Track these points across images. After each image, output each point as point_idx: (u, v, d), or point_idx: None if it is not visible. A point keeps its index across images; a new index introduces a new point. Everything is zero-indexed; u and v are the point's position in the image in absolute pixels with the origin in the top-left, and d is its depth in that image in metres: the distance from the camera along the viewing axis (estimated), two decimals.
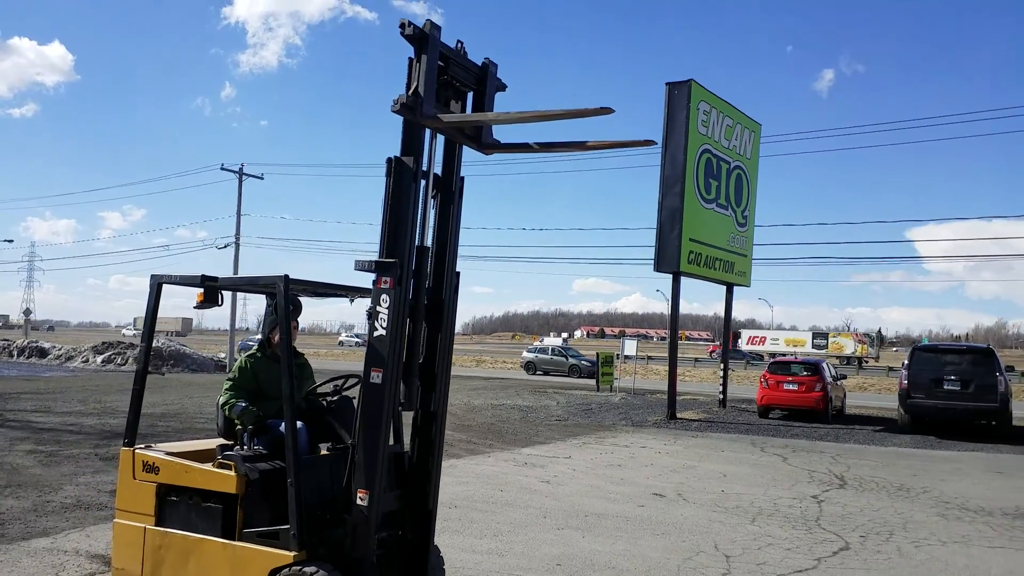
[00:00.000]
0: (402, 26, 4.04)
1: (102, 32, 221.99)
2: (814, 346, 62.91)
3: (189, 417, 15.31)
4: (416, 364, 4.30)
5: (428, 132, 4.31)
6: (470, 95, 4.50)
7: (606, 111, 3.66)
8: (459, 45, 4.33)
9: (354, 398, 4.47)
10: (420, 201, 4.23)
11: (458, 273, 4.54)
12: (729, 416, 20.57)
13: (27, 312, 71.56)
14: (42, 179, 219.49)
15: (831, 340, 64.99)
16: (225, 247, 37.24)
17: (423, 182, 4.25)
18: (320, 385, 4.89)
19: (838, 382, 21.69)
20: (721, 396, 22.97)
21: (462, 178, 4.52)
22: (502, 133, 4.49)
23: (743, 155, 22.55)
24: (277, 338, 4.58)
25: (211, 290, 4.57)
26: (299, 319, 4.83)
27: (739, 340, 63.57)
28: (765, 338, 67.62)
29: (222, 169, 37.02)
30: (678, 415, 19.42)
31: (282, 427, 4.26)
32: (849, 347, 63.69)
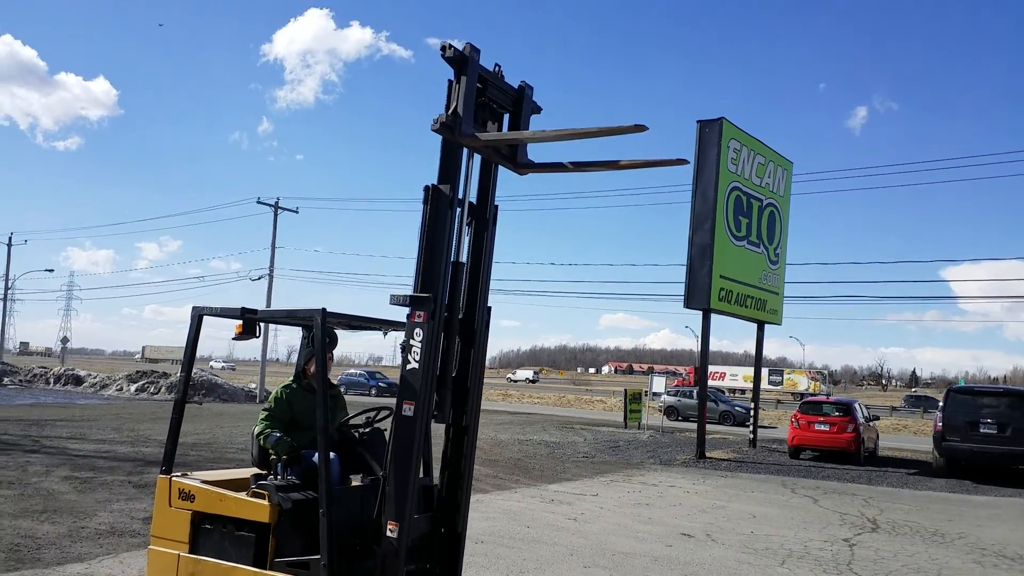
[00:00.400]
0: (443, 48, 4.20)
1: (146, 68, 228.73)
2: (770, 382, 64.93)
3: (220, 447, 15.47)
4: (449, 377, 4.37)
5: (465, 154, 4.43)
6: (506, 117, 4.62)
7: (640, 128, 3.72)
8: (496, 68, 4.48)
9: (385, 430, 4.53)
10: (456, 228, 4.33)
11: (489, 308, 4.62)
12: (759, 456, 20.29)
13: (64, 340, 72.98)
14: (83, 210, 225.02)
15: (786, 376, 67.59)
16: (259, 279, 37.85)
17: (459, 209, 4.35)
18: (353, 417, 4.97)
19: (871, 423, 21.32)
20: (751, 436, 22.67)
21: (496, 205, 4.62)
22: (537, 153, 4.61)
23: (776, 192, 22.51)
24: (312, 369, 4.68)
25: (250, 322, 4.70)
26: (334, 351, 4.94)
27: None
28: (725, 374, 69.28)
29: (258, 202, 37.74)
30: (707, 454, 19.20)
31: (315, 458, 4.35)
32: (803, 384, 67.30)
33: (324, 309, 4.39)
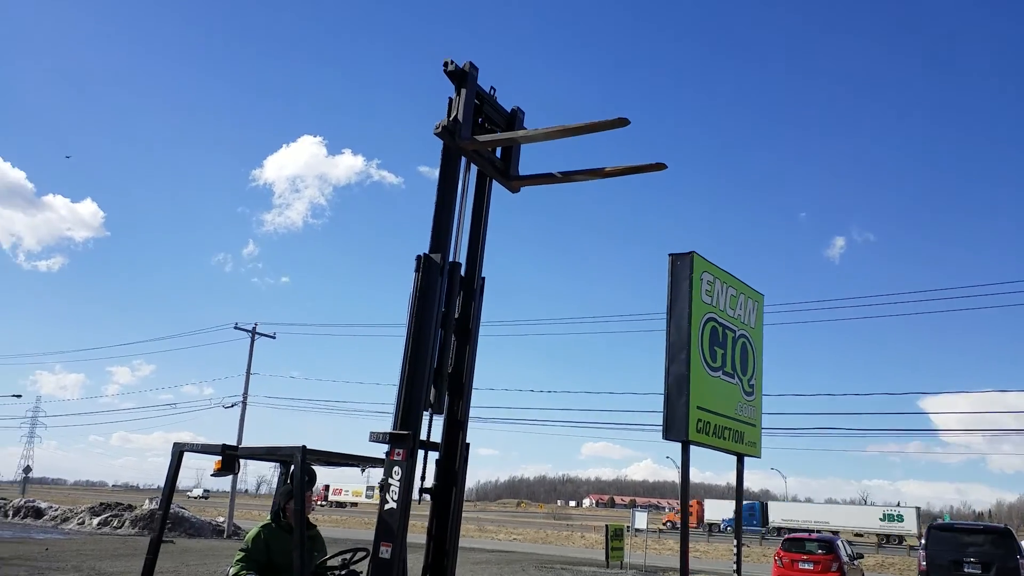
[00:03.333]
0: (445, 64, 4.60)
1: (134, 191, 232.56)
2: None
3: None
4: (445, 372, 4.49)
5: (462, 168, 4.69)
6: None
7: (622, 122, 4.02)
8: (492, 90, 4.87)
9: (361, 572, 4.51)
10: (444, 295, 4.50)
11: (468, 444, 4.71)
12: None
13: (27, 470, 70.43)
14: (58, 333, 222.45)
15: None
16: (232, 406, 37.27)
17: (446, 280, 4.52)
18: (329, 558, 4.93)
19: (854, 561, 20.88)
20: (735, 574, 22.06)
21: (483, 278, 4.82)
22: (529, 166, 4.94)
23: (747, 324, 22.91)
24: (291, 508, 4.68)
25: (229, 459, 4.74)
26: (312, 488, 4.95)
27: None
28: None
29: (235, 328, 37.73)
30: None
31: None
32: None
33: (304, 447, 4.46)
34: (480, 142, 4.60)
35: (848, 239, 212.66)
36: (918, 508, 68.41)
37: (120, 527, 33.65)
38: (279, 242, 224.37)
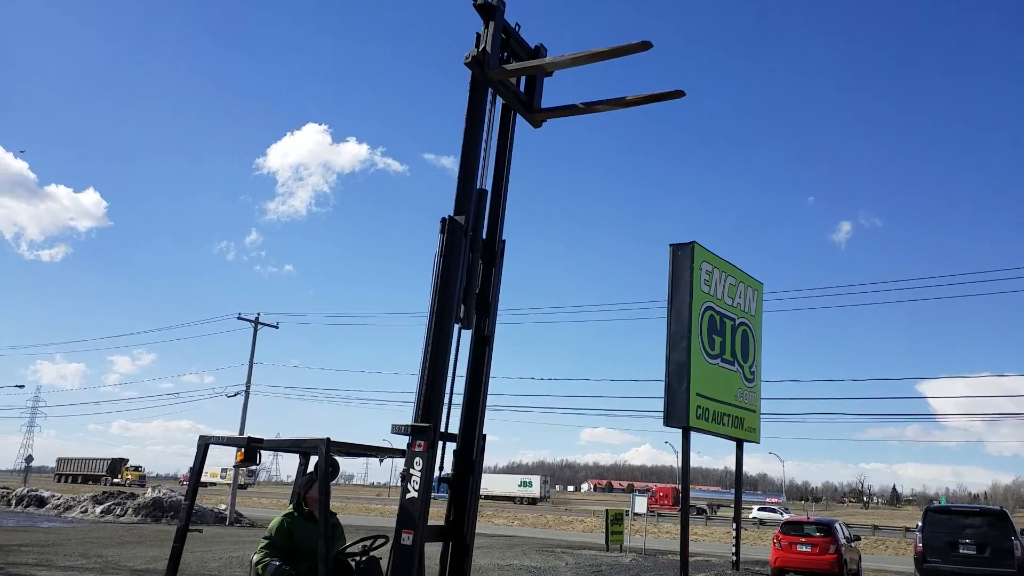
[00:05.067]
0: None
1: (137, 181, 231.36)
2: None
3: (192, 574, 15.04)
4: (474, 291, 4.73)
5: (488, 103, 4.85)
6: (523, 79, 5.16)
7: (645, 46, 4.20)
8: (517, 26, 5.10)
9: (381, 558, 4.67)
10: (466, 261, 4.64)
11: (484, 436, 4.87)
12: None
13: (28, 459, 70.60)
14: (59, 323, 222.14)
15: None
16: (235, 395, 37.45)
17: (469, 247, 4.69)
18: (350, 545, 5.09)
19: (852, 543, 21.18)
20: (734, 557, 22.35)
21: (503, 240, 4.99)
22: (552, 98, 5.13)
23: (747, 312, 23.17)
24: (313, 496, 4.84)
25: (252, 450, 4.90)
26: (335, 478, 5.11)
27: None
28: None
29: (238, 318, 37.84)
30: None
31: None
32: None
33: (328, 439, 4.61)
34: (508, 70, 4.84)
35: (855, 224, 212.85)
36: (543, 477, 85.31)
37: (123, 515, 33.90)
38: (282, 231, 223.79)
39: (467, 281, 4.63)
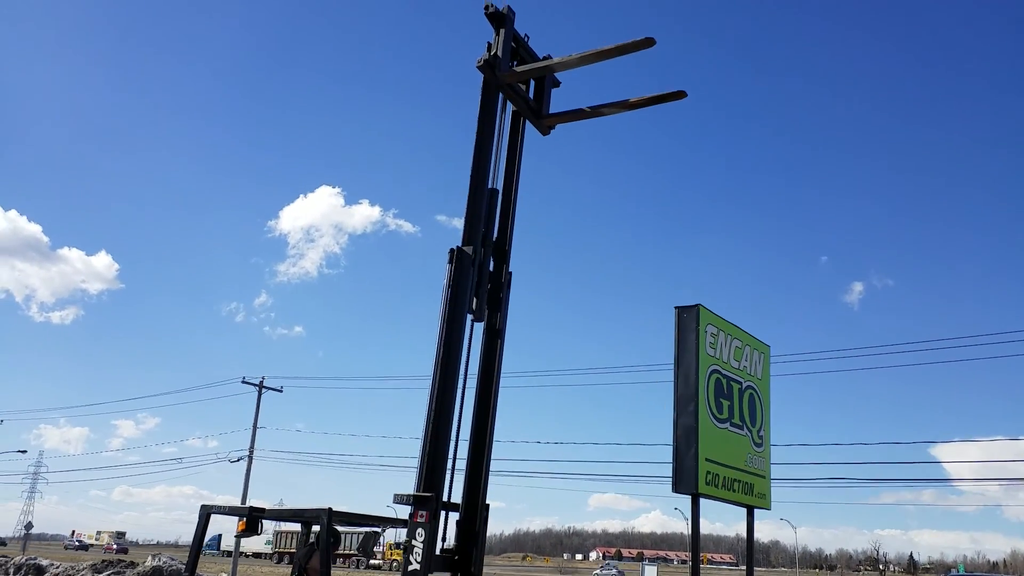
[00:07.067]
0: (486, 7, 5.05)
1: (149, 243, 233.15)
2: None
3: None
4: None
5: (499, 107, 4.98)
6: (532, 84, 5.33)
7: (648, 42, 4.34)
8: (525, 36, 5.24)
9: None
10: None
11: (488, 505, 4.81)
12: None
13: (28, 527, 69.50)
14: (67, 385, 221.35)
15: None
16: (238, 460, 37.11)
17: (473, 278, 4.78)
18: None
19: None
20: None
21: (510, 272, 5.04)
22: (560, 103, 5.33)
23: (753, 375, 22.96)
24: (315, 566, 4.78)
25: (253, 520, 4.86)
26: (337, 548, 5.05)
27: None
28: None
29: (243, 382, 37.75)
30: None
31: None
32: None
33: (330, 509, 4.58)
34: (518, 72, 5.03)
35: (867, 284, 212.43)
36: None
37: None
38: (292, 292, 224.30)
39: (477, 280, 4.74)
